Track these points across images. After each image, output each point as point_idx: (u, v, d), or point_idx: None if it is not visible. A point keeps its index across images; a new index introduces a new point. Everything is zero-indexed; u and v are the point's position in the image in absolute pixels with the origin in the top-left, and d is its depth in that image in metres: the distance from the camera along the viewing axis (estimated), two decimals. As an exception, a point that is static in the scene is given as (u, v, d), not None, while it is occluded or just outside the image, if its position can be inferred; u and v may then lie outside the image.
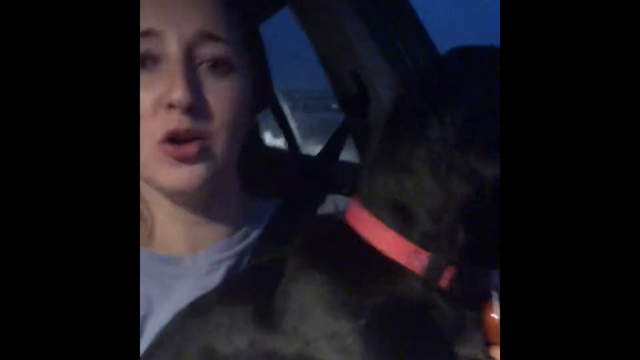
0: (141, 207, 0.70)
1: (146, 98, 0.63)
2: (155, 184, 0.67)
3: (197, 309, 0.60)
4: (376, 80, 1.00)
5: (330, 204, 0.77)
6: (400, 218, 0.54)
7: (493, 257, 0.54)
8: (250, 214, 0.75)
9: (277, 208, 0.77)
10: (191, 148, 0.64)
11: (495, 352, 0.53)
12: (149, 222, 0.71)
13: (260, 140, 1.20)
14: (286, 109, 1.44)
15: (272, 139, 1.58)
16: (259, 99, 0.73)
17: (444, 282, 0.53)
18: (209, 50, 0.65)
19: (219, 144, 0.66)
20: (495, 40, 0.52)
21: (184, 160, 0.64)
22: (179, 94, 0.62)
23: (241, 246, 0.72)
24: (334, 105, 1.13)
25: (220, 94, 0.65)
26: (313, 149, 1.29)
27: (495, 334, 0.54)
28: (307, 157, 1.20)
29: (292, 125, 1.42)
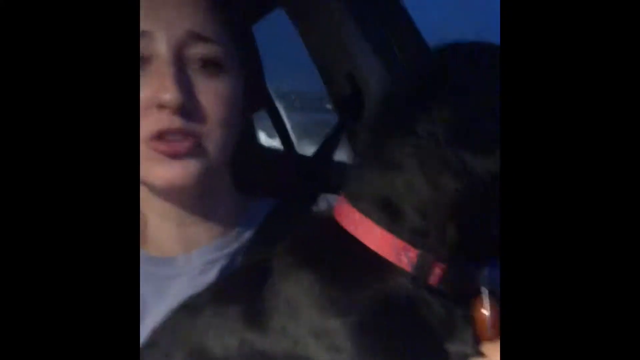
0: None
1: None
2: (147, 183, 0.67)
3: (188, 309, 0.60)
4: (370, 81, 1.00)
5: (324, 204, 0.77)
6: (389, 215, 0.54)
7: (483, 253, 0.54)
8: (243, 214, 0.75)
9: (271, 208, 0.77)
10: (182, 144, 0.64)
11: (486, 348, 0.53)
12: (141, 223, 0.71)
13: (254, 140, 1.20)
14: (281, 109, 1.44)
15: (268, 140, 1.59)
16: (252, 99, 0.73)
17: (434, 278, 0.53)
18: (199, 51, 0.65)
19: (210, 143, 0.66)
20: (495, 41, 0.52)
21: (175, 156, 0.64)
22: (169, 94, 0.63)
23: (234, 246, 0.72)
24: (328, 106, 1.13)
25: (211, 94, 0.66)
26: (308, 149, 1.29)
27: (485, 330, 0.53)
28: (302, 157, 1.20)
29: (288, 125, 1.42)
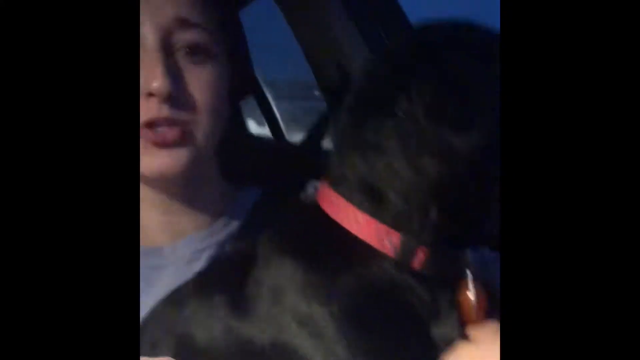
0: None
1: None
2: None
3: (173, 300, 0.60)
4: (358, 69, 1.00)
5: (312, 191, 0.77)
6: (371, 199, 0.53)
7: (467, 236, 0.54)
8: (231, 202, 0.75)
9: (259, 196, 0.77)
10: (171, 133, 0.64)
11: (471, 331, 0.53)
12: None
13: (243, 128, 1.20)
14: (270, 97, 1.44)
15: (257, 128, 1.58)
16: (239, 86, 0.73)
17: (417, 263, 0.53)
18: (186, 37, 0.65)
19: (198, 130, 0.65)
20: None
21: (164, 145, 0.64)
22: (158, 82, 0.62)
23: (222, 235, 0.72)
24: (317, 94, 1.13)
25: (198, 81, 0.65)
26: (297, 137, 1.29)
27: (471, 314, 0.53)
28: (290, 145, 1.20)
29: (276, 113, 1.42)
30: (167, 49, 0.64)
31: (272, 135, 1.40)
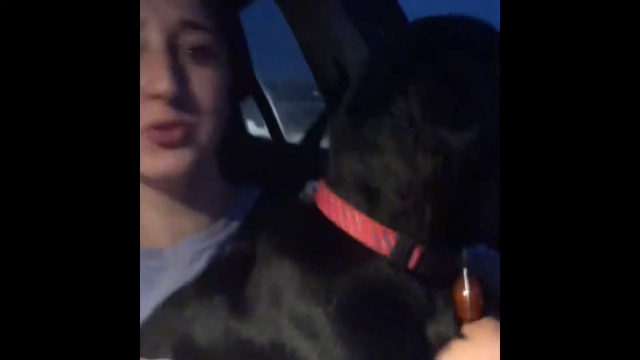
0: None
1: None
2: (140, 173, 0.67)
3: (174, 301, 0.60)
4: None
5: (311, 191, 0.77)
6: (367, 198, 0.53)
7: (463, 235, 0.54)
8: (232, 202, 0.75)
9: (259, 196, 0.77)
10: (175, 133, 0.64)
11: (467, 329, 0.53)
12: None
13: (243, 129, 1.20)
14: (269, 98, 1.44)
15: (256, 128, 1.58)
16: (240, 86, 0.73)
17: (413, 262, 0.53)
18: (191, 39, 0.65)
19: (202, 131, 0.66)
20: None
21: (168, 146, 0.64)
22: (164, 85, 0.62)
23: (223, 235, 0.72)
24: (316, 94, 1.13)
25: (202, 82, 0.65)
26: (296, 137, 1.29)
27: (466, 312, 0.54)
28: (290, 145, 1.20)
29: (276, 114, 1.41)
30: (172, 50, 0.64)
31: (271, 135, 1.40)
